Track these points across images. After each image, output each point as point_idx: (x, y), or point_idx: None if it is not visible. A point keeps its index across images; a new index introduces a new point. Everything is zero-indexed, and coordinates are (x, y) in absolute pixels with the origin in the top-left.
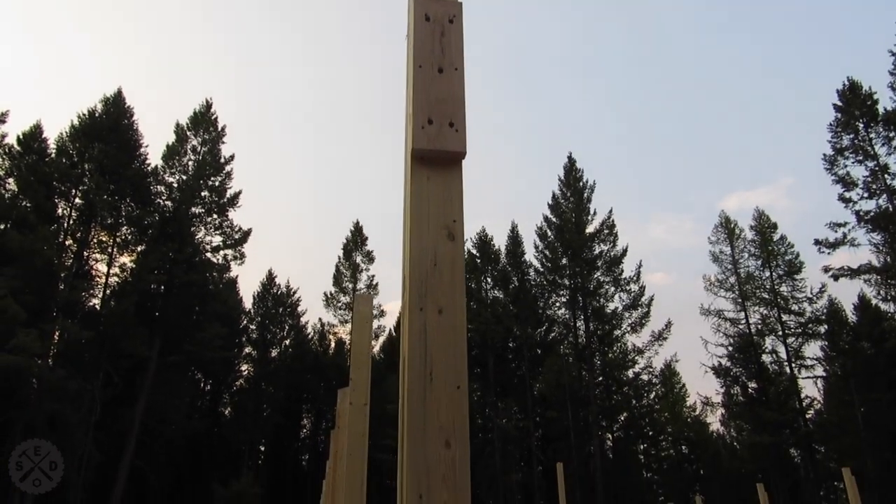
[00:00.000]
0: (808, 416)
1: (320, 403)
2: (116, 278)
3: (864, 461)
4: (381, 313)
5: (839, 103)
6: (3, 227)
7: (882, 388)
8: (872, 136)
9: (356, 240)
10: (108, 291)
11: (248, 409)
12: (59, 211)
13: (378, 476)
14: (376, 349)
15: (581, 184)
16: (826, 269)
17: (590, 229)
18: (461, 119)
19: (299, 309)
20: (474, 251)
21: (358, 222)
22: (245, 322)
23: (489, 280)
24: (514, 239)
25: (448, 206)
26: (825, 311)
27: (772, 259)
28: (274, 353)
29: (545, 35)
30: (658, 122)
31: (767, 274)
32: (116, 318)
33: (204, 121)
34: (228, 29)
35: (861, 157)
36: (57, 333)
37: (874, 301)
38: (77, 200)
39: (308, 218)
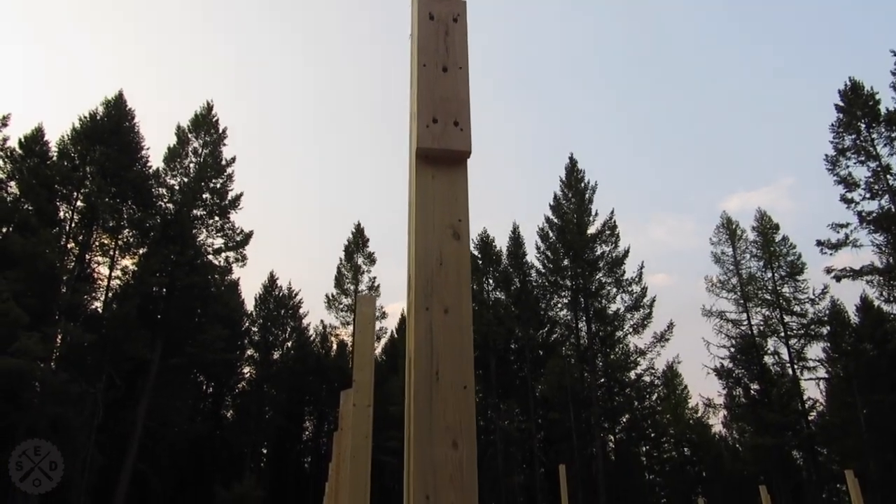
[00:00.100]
0: (810, 418)
1: (322, 405)
2: (118, 281)
3: (867, 463)
4: (383, 315)
5: (841, 103)
6: (5, 230)
7: (885, 389)
8: (874, 136)
9: (357, 241)
10: (109, 294)
11: (250, 411)
12: (61, 214)
13: (381, 478)
14: (378, 351)
15: (582, 185)
16: (828, 270)
17: (591, 230)
18: (466, 118)
19: (301, 311)
20: (476, 252)
21: (359, 224)
22: (247, 324)
23: (491, 281)
24: (516, 240)
25: (453, 205)
26: (827, 312)
27: (774, 260)
28: (276, 355)
29: (545, 35)
30: (659, 122)
31: (769, 275)
32: (118, 321)
33: (205, 123)
34: (229, 29)
35: (863, 158)
36: (59, 336)
37: (876, 302)
38: (79, 203)
39: (309, 219)
